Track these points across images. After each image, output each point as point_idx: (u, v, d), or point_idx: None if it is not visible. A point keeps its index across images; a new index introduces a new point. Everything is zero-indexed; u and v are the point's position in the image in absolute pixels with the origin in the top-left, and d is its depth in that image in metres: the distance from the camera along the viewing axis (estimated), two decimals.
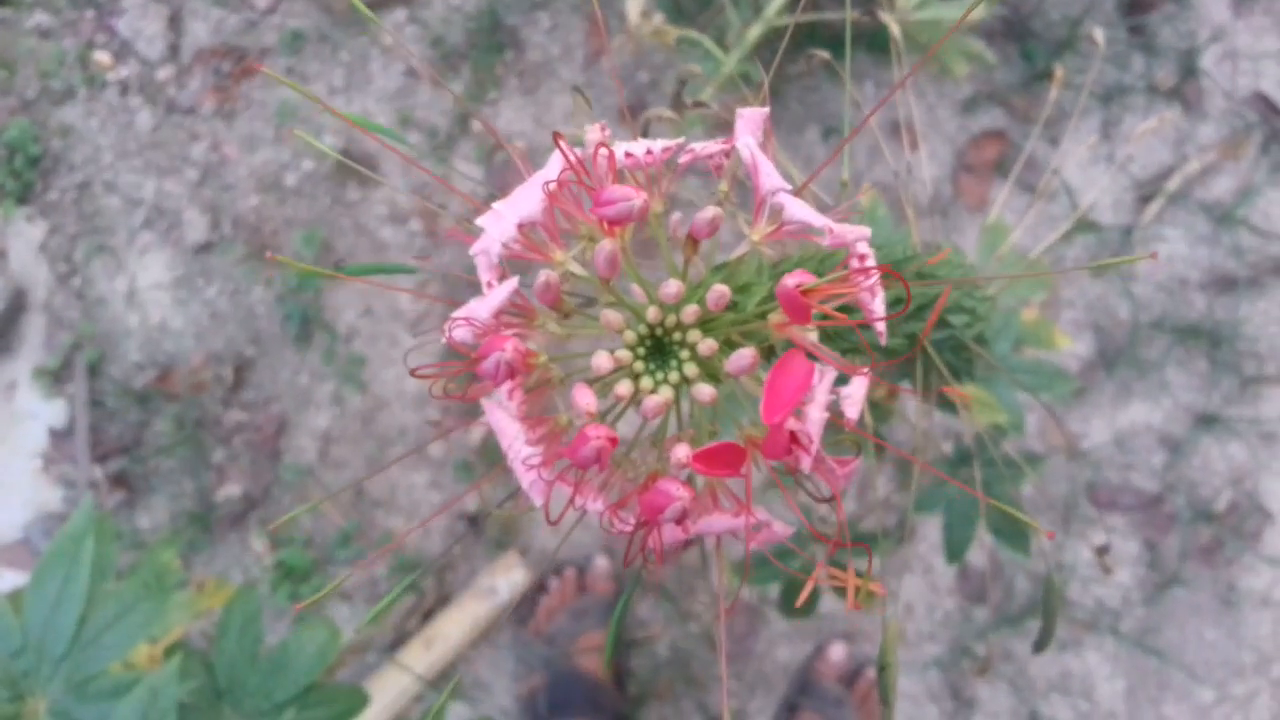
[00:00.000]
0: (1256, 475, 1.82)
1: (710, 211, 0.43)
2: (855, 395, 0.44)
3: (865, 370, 0.45)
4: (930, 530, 1.80)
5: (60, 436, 1.79)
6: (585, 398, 0.43)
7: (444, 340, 0.46)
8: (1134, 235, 1.84)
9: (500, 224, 0.46)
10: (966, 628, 1.78)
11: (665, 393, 0.45)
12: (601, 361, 0.44)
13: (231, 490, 1.79)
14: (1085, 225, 1.81)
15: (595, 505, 0.47)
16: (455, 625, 1.72)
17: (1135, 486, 1.82)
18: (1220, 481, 1.83)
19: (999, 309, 1.16)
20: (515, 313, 0.48)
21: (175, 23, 1.86)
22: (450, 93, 1.84)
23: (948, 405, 0.85)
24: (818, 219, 0.43)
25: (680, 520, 0.43)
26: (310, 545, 1.77)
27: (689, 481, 0.46)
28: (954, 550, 1.20)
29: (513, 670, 1.77)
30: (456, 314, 0.46)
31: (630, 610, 1.75)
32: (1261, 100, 1.85)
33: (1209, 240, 1.85)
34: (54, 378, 1.79)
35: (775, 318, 0.45)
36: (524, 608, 1.75)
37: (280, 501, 1.79)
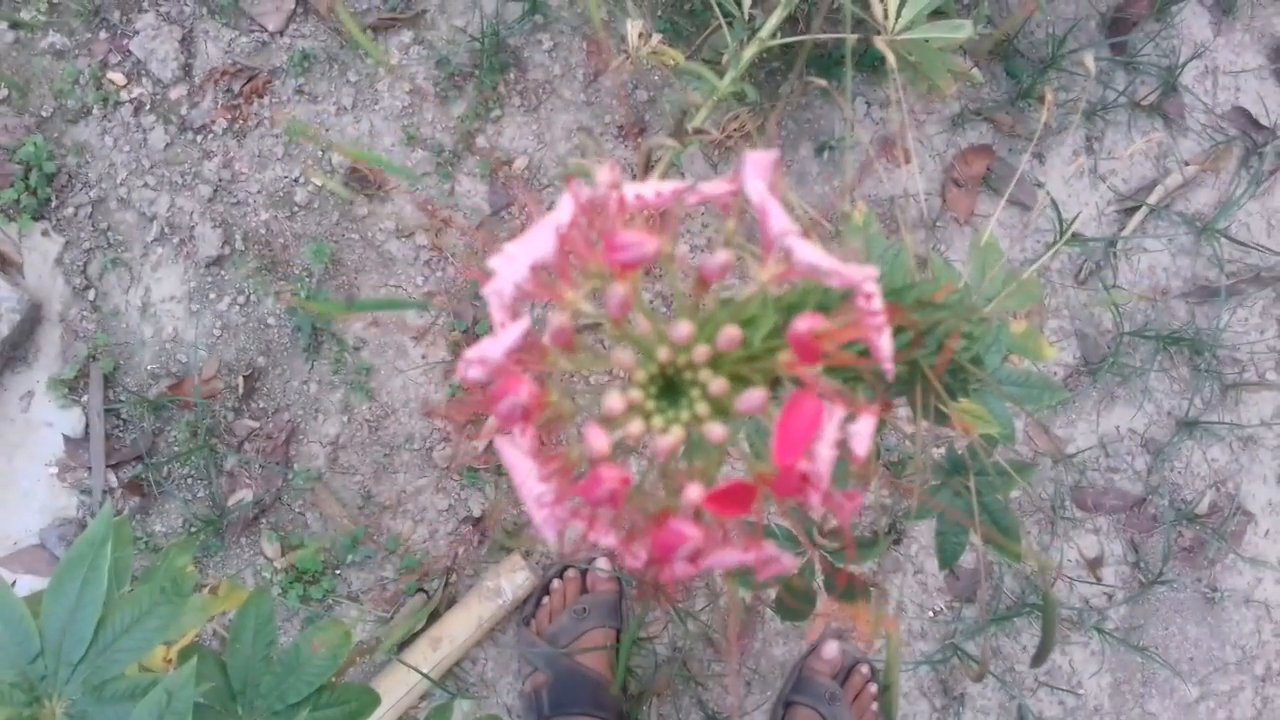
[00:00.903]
0: (1237, 478, 1.82)
1: (721, 257, 0.43)
2: (863, 433, 0.44)
3: (873, 408, 0.44)
4: (920, 531, 1.79)
5: (75, 444, 1.78)
6: (598, 440, 0.42)
7: (458, 378, 0.46)
8: (1117, 247, 1.83)
9: (513, 265, 0.45)
10: (957, 626, 1.78)
11: (676, 432, 0.44)
12: (614, 403, 0.43)
13: (243, 496, 1.78)
14: (1070, 236, 1.81)
15: (607, 540, 0.46)
16: (461, 625, 1.71)
17: (1119, 489, 1.82)
18: (1202, 484, 1.82)
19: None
20: (526, 350, 0.47)
21: (187, 43, 1.85)
22: (454, 109, 1.83)
23: (941, 417, 0.85)
24: (826, 262, 0.43)
25: (693, 558, 0.43)
26: (320, 549, 1.76)
27: (699, 517, 0.45)
28: (946, 557, 1.19)
29: (517, 668, 1.76)
30: (469, 354, 0.45)
31: (632, 615, 1.74)
32: (1241, 115, 1.85)
33: (1190, 251, 1.84)
34: (69, 388, 1.78)
35: (785, 358, 0.44)
36: (528, 608, 1.75)
37: (291, 507, 1.78)
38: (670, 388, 0.46)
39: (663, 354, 0.44)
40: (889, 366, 0.46)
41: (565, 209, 0.45)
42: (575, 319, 0.45)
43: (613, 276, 0.44)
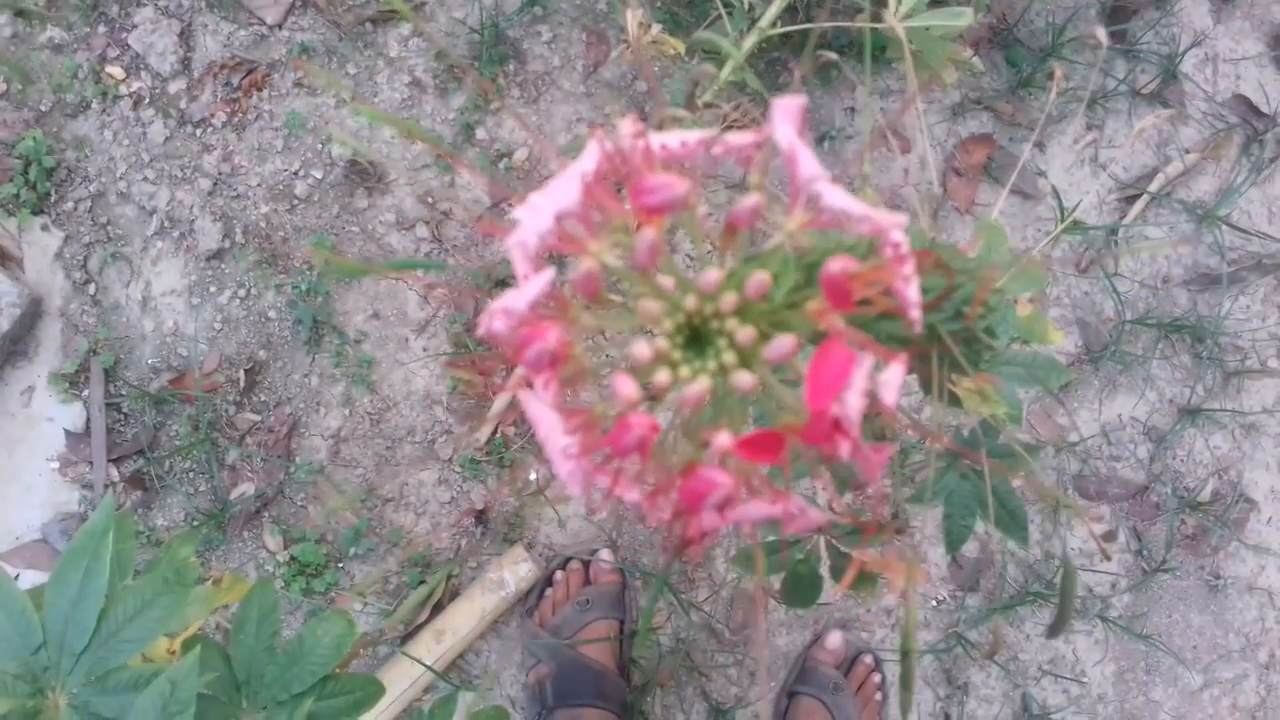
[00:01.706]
0: (1240, 465, 1.82)
1: (752, 198, 0.42)
2: (892, 381, 0.43)
3: (902, 357, 0.43)
4: (922, 521, 1.79)
5: (77, 439, 1.77)
6: (627, 386, 0.41)
7: (481, 331, 0.45)
8: (1118, 235, 1.83)
9: (537, 216, 0.44)
10: (960, 615, 1.77)
11: (703, 381, 0.44)
12: (641, 350, 0.43)
13: (245, 489, 1.77)
14: (1071, 225, 1.81)
15: (632, 495, 0.45)
16: (464, 617, 1.70)
17: (1122, 477, 1.81)
18: (1205, 471, 1.82)
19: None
20: (550, 304, 0.46)
21: (186, 37, 1.85)
22: (458, 95, 1.83)
23: (951, 399, 0.84)
24: (856, 206, 0.42)
25: (721, 508, 0.42)
26: (323, 541, 1.75)
27: (727, 466, 0.44)
28: (953, 541, 1.18)
29: (520, 660, 1.75)
30: (493, 305, 0.44)
31: (635, 602, 1.73)
32: (1242, 102, 1.85)
33: (1191, 238, 1.84)
34: (70, 382, 1.77)
35: (814, 305, 0.43)
36: (531, 600, 1.74)
37: (293, 500, 1.77)
38: (696, 339, 0.45)
39: (689, 303, 0.44)
40: (916, 315, 0.45)
41: (590, 157, 0.45)
42: (601, 268, 0.45)
43: (640, 224, 0.43)
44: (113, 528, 1.13)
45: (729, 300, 0.44)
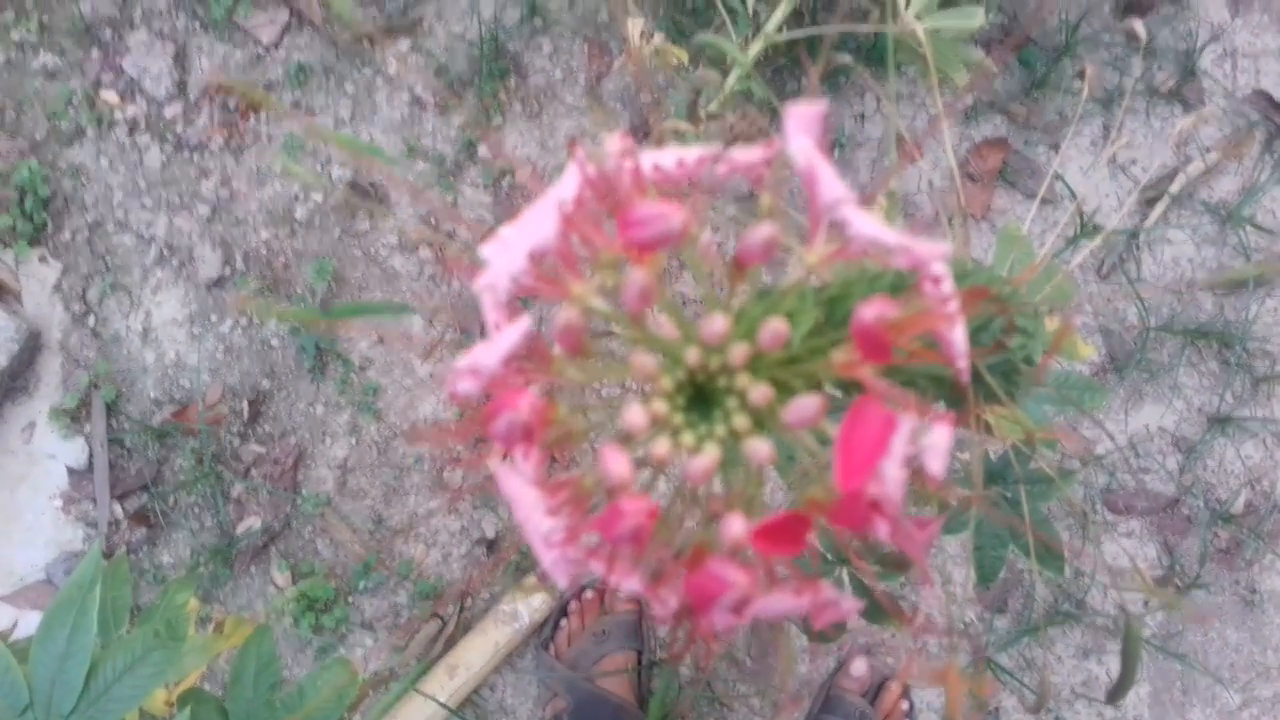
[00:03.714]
0: (1273, 475, 1.72)
1: (764, 229, 0.34)
2: (939, 446, 0.35)
3: (949, 417, 0.35)
4: (945, 541, 1.70)
5: (79, 475, 1.70)
6: (617, 464, 0.33)
7: (448, 393, 0.37)
8: (1140, 238, 1.74)
9: (508, 254, 0.36)
10: (989, 638, 1.68)
11: (711, 451, 0.35)
12: (635, 416, 0.35)
13: (252, 523, 1.70)
14: (1091, 229, 1.72)
15: (631, 585, 0.37)
16: (478, 651, 1.62)
17: (1151, 490, 1.72)
18: (1236, 482, 1.72)
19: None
20: (528, 357, 0.38)
21: (181, 60, 1.77)
22: (458, 117, 1.75)
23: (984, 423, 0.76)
24: (891, 236, 0.34)
25: (737, 608, 0.34)
26: (331, 575, 1.68)
27: (740, 554, 0.36)
28: (986, 573, 1.09)
29: (536, 694, 1.67)
30: (459, 364, 0.36)
31: (653, 631, 1.65)
32: (1263, 98, 1.75)
33: (1215, 240, 1.75)
34: (71, 417, 1.70)
35: (842, 356, 0.35)
36: (546, 631, 1.65)
37: (300, 533, 1.69)
38: (701, 397, 0.37)
39: (691, 356, 0.36)
40: (964, 365, 0.37)
41: (569, 183, 0.37)
42: (585, 316, 0.37)
43: (629, 264, 0.35)
44: (100, 579, 1.06)
45: (739, 352, 0.35)
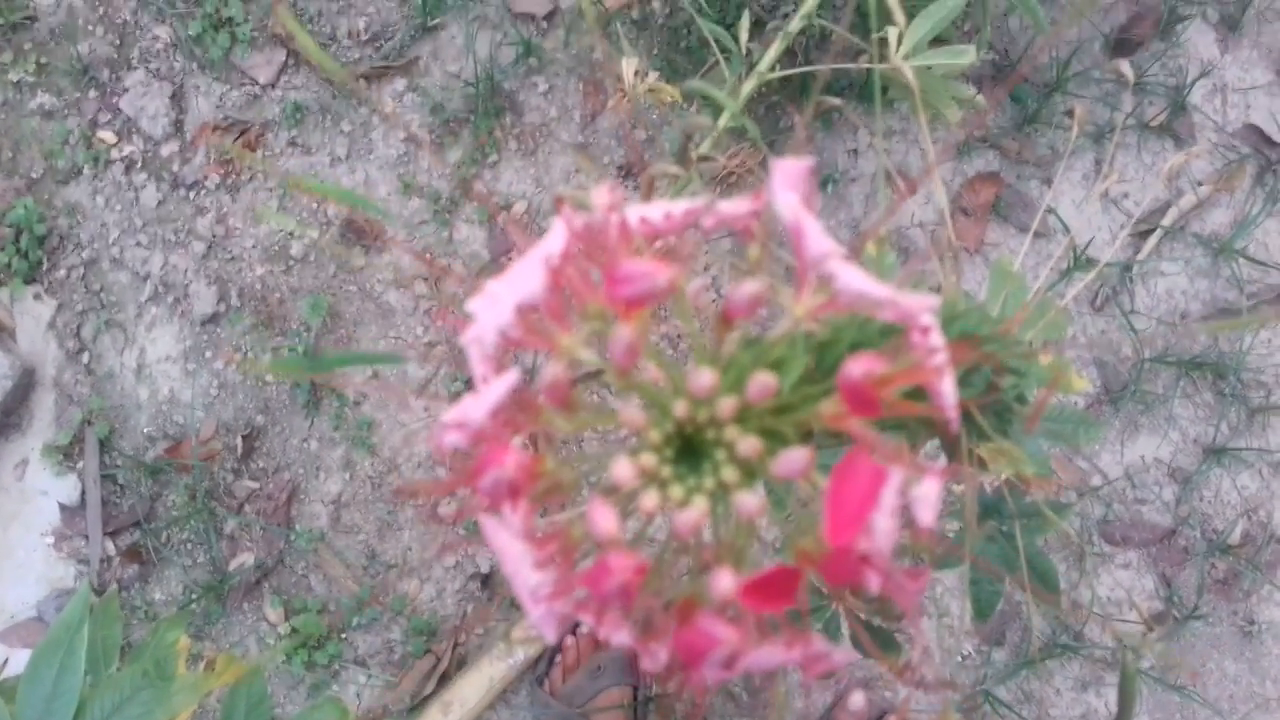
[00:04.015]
0: (1270, 505, 1.72)
1: (750, 287, 0.34)
2: (929, 497, 0.35)
3: (940, 469, 0.35)
4: (943, 574, 1.69)
5: (72, 512, 1.69)
6: (605, 520, 0.33)
7: (432, 448, 0.37)
8: (1133, 271, 1.75)
9: (495, 307, 0.36)
10: (987, 671, 1.67)
11: (699, 504, 0.35)
12: (622, 470, 0.35)
13: (244, 559, 1.69)
14: (1084, 262, 1.72)
15: (620, 638, 0.37)
16: (473, 688, 1.61)
17: (1147, 521, 1.72)
18: (1233, 513, 1.72)
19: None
20: (515, 407, 0.38)
21: (178, 99, 1.78)
22: (450, 159, 1.75)
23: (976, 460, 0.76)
24: (878, 290, 0.34)
25: (727, 663, 0.34)
26: (324, 612, 1.67)
27: (732, 612, 0.36)
28: (983, 608, 1.09)
29: None
30: (446, 417, 0.36)
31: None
32: (1253, 132, 1.76)
33: (1208, 273, 1.75)
34: (65, 454, 1.69)
35: (829, 409, 0.35)
36: (540, 667, 1.64)
37: (294, 569, 1.68)
38: (689, 449, 0.37)
39: (680, 409, 0.36)
40: (954, 415, 0.37)
41: (556, 237, 0.37)
42: (573, 369, 0.37)
43: (616, 316, 0.35)
44: (89, 618, 1.05)
45: (727, 406, 0.35)
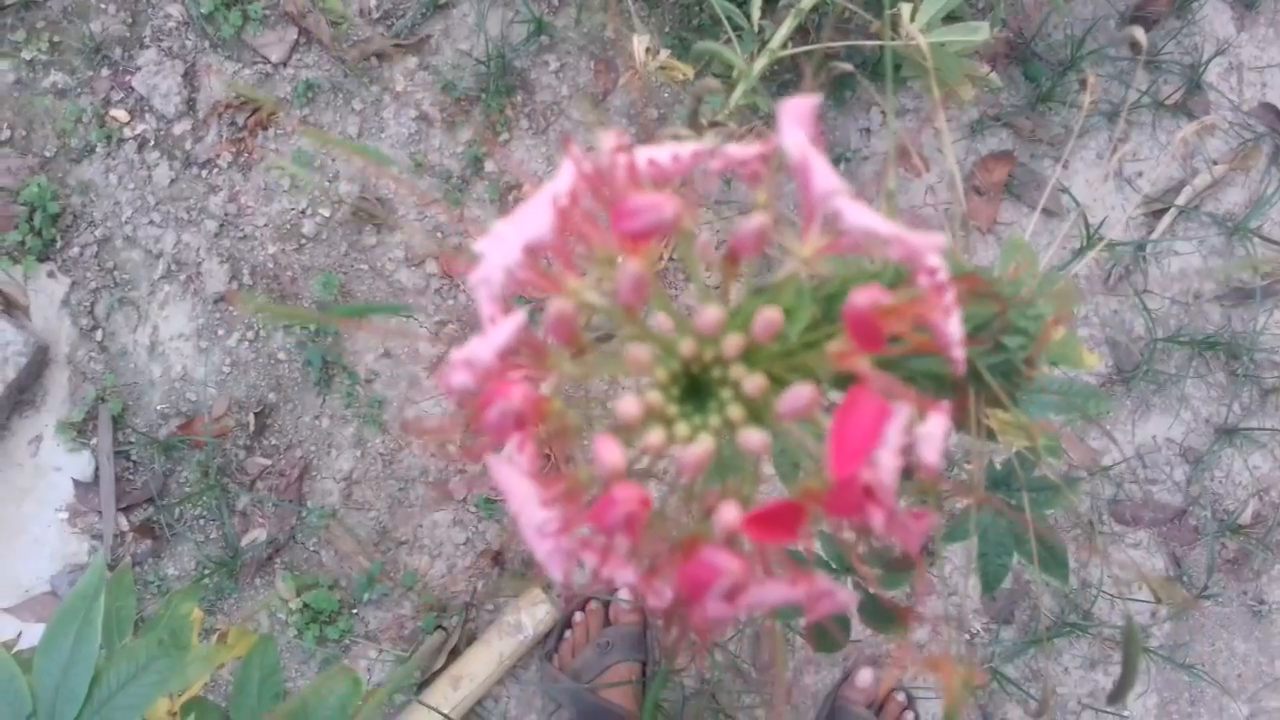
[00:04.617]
0: None
1: (756, 219, 0.34)
2: (934, 435, 0.35)
3: (944, 406, 0.35)
4: (952, 551, 1.69)
5: (85, 488, 1.70)
6: (611, 452, 0.33)
7: (441, 387, 0.37)
8: (1146, 250, 1.74)
9: (503, 247, 0.37)
10: (995, 649, 1.67)
11: (705, 441, 0.35)
12: (629, 407, 0.35)
13: (257, 535, 1.70)
14: (1097, 241, 1.71)
15: (625, 576, 0.37)
16: (482, 663, 1.62)
17: (1158, 501, 1.71)
18: (1244, 493, 1.72)
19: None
20: (524, 352, 0.38)
21: (190, 78, 1.79)
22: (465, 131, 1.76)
23: (986, 430, 0.76)
24: (884, 226, 0.34)
25: (730, 596, 0.34)
26: (336, 587, 1.68)
27: (735, 544, 0.36)
28: (990, 581, 1.09)
29: (540, 706, 1.66)
30: (455, 356, 0.36)
31: (657, 642, 1.64)
32: (1269, 111, 1.75)
33: (1222, 252, 1.75)
34: (78, 430, 1.70)
35: (837, 346, 0.35)
36: (550, 643, 1.65)
37: (305, 545, 1.69)
38: (695, 389, 0.37)
39: (686, 347, 0.36)
40: (959, 355, 0.37)
41: (564, 177, 0.37)
42: (580, 310, 0.37)
43: (623, 255, 0.36)
44: (104, 588, 1.06)
45: (733, 343, 0.35)
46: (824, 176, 0.34)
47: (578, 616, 1.64)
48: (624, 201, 0.33)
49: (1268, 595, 1.71)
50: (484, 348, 0.36)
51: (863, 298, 0.32)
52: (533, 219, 0.37)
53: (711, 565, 0.33)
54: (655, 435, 0.35)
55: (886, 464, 0.33)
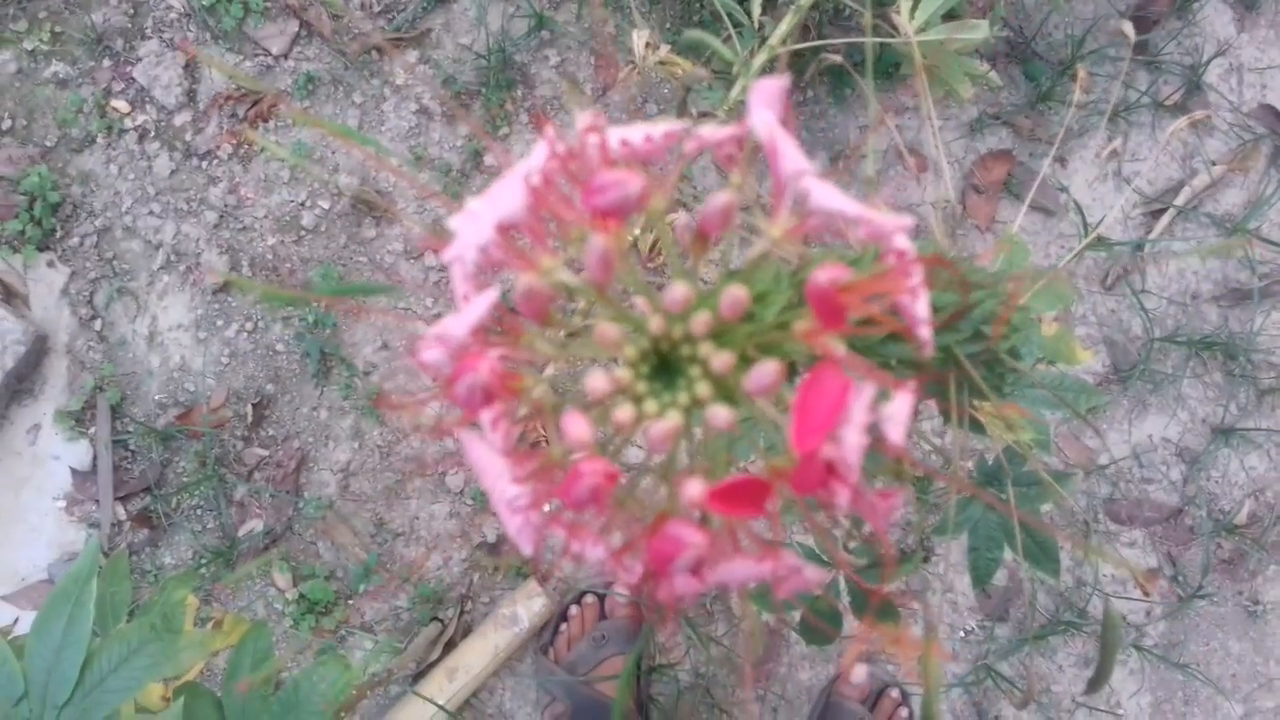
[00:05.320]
0: (1277, 486, 1.72)
1: (723, 198, 0.34)
2: (899, 414, 0.35)
3: (910, 385, 0.35)
4: (948, 549, 1.69)
5: (83, 477, 1.71)
6: (578, 427, 0.34)
7: (414, 362, 0.37)
8: (1145, 250, 1.74)
9: (476, 225, 0.37)
10: (989, 646, 1.68)
11: (673, 418, 0.36)
12: (597, 383, 0.35)
13: (254, 525, 1.70)
14: (1095, 241, 1.72)
15: (595, 552, 0.38)
16: (477, 655, 1.62)
17: (1155, 500, 1.72)
18: (1240, 493, 1.72)
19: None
20: (499, 331, 0.39)
21: (191, 69, 1.79)
22: (466, 125, 1.76)
23: (973, 424, 0.76)
24: (850, 206, 0.34)
25: (696, 570, 0.34)
26: (332, 578, 1.68)
27: (704, 522, 0.36)
28: (980, 575, 1.09)
29: (535, 698, 1.67)
30: (428, 333, 0.37)
31: (650, 639, 1.65)
32: (1268, 112, 1.76)
33: (1220, 252, 1.75)
34: (76, 419, 1.71)
35: (802, 325, 0.35)
36: (545, 635, 1.65)
37: (302, 536, 1.70)
38: (665, 367, 0.37)
39: (655, 324, 0.36)
40: (925, 334, 0.37)
41: (537, 156, 0.37)
42: (551, 287, 0.37)
43: (594, 232, 0.36)
44: (98, 572, 1.07)
45: (701, 321, 0.36)
46: (792, 156, 0.34)
47: (573, 610, 1.64)
48: (592, 179, 0.34)
49: (1262, 595, 1.71)
50: (457, 324, 0.37)
51: (824, 275, 0.32)
52: (506, 197, 0.37)
53: (676, 538, 0.33)
54: (624, 411, 0.36)
55: (850, 441, 0.33)
